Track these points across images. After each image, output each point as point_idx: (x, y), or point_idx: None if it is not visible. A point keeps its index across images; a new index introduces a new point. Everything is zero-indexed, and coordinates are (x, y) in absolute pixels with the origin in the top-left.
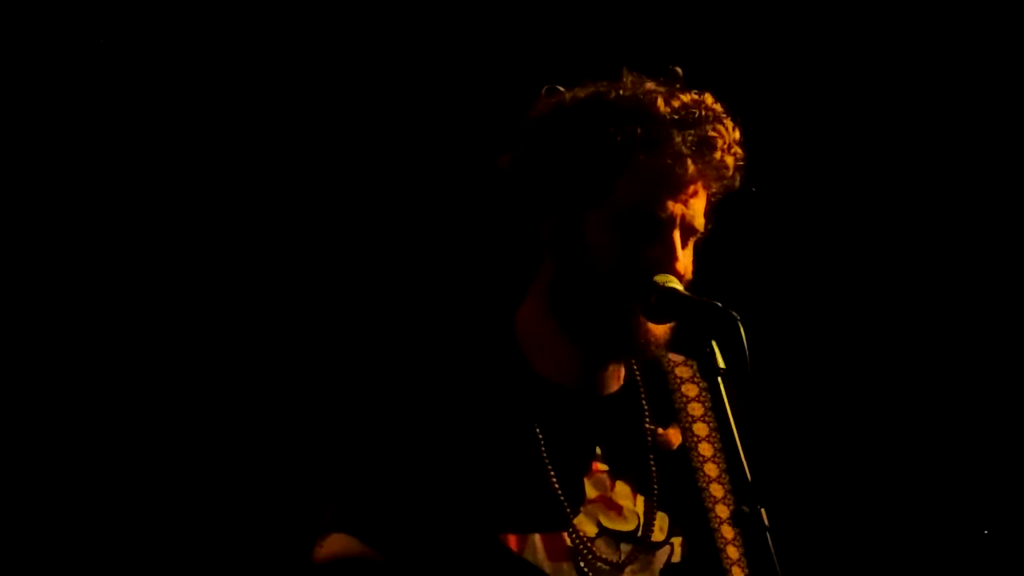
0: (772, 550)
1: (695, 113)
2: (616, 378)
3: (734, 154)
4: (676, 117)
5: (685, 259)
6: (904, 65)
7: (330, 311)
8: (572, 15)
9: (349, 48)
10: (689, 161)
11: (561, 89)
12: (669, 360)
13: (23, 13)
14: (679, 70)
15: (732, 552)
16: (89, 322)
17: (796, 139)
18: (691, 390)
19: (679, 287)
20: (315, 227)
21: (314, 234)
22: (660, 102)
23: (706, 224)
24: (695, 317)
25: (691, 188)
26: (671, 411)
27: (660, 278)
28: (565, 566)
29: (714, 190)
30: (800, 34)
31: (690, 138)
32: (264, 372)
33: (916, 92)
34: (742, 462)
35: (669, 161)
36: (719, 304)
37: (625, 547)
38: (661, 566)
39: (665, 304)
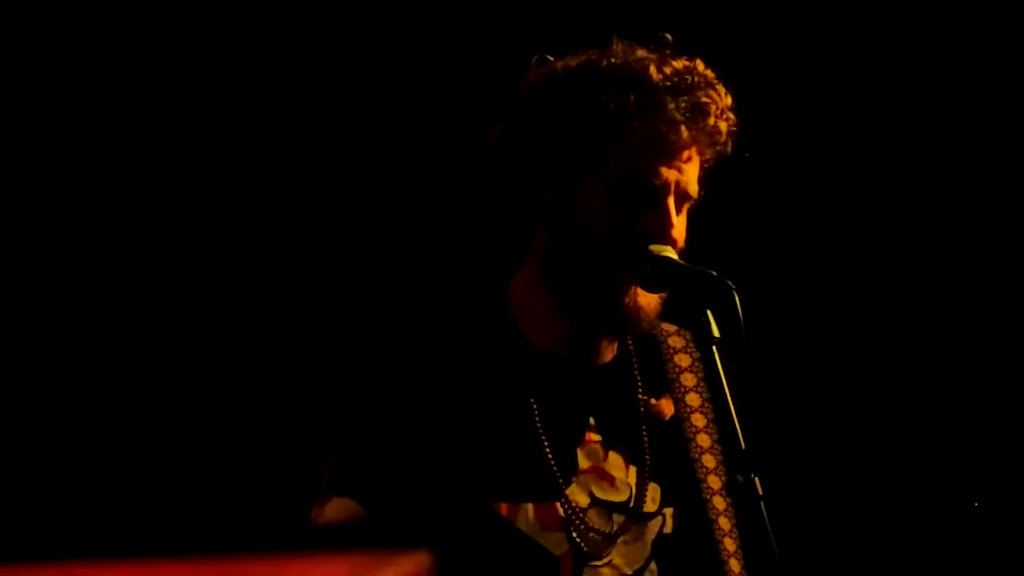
0: (766, 519)
1: (687, 79)
2: (610, 348)
3: (727, 119)
4: (668, 83)
5: (680, 226)
6: (908, 41)
7: (327, 280)
8: None
9: (344, 21)
10: (683, 127)
11: (551, 59)
12: (663, 330)
13: (23, 13)
14: (669, 37)
15: (724, 523)
16: (83, 319)
17: (792, 108)
18: (684, 360)
19: (674, 256)
20: (311, 199)
21: (311, 206)
22: (652, 69)
23: (699, 190)
24: (690, 286)
25: (685, 154)
26: (664, 381)
27: (655, 247)
28: (557, 536)
29: (707, 156)
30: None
31: (683, 104)
32: (262, 339)
33: (915, 69)
34: (736, 431)
35: (663, 127)
36: (714, 273)
37: (617, 518)
38: (653, 537)
39: (660, 273)
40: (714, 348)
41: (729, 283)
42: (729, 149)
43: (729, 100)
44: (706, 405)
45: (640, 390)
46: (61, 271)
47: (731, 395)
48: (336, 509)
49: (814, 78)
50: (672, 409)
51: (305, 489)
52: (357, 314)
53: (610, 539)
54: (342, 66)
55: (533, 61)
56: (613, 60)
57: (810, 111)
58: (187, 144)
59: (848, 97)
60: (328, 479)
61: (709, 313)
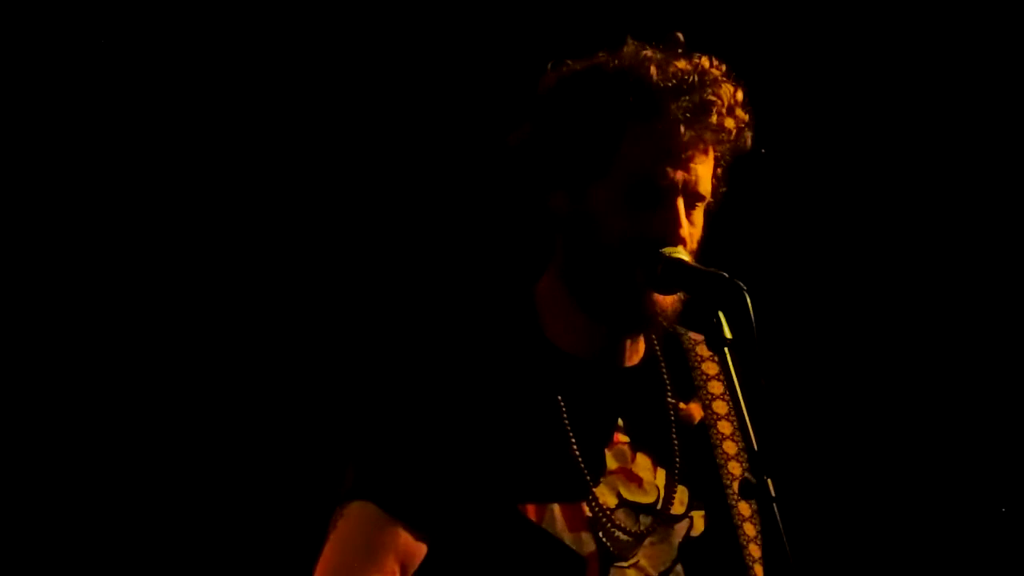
0: (779, 520)
1: (688, 78)
2: (636, 351)
3: (735, 116)
4: (669, 84)
5: (691, 226)
6: (924, 38)
7: (355, 285)
8: None
9: (359, 22)
10: (682, 127)
11: (569, 63)
12: (690, 338)
13: (23, 13)
14: (680, 36)
15: (749, 529)
16: (96, 321)
17: (803, 108)
18: (711, 368)
19: (686, 257)
20: (340, 206)
21: (340, 212)
22: (652, 69)
23: (717, 188)
24: (702, 287)
25: (690, 154)
26: (692, 387)
27: (667, 249)
28: (584, 536)
29: (719, 154)
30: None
31: (684, 104)
32: (289, 344)
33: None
34: (749, 432)
35: (664, 128)
36: (725, 274)
37: (645, 519)
38: (680, 539)
39: (671, 275)
40: (726, 350)
41: (740, 284)
42: (746, 145)
43: (740, 96)
44: (732, 413)
45: (669, 394)
46: (61, 281)
47: (744, 397)
48: (357, 513)
49: (825, 77)
50: (701, 414)
51: (328, 493)
52: (385, 320)
53: (637, 540)
54: (372, 76)
55: (548, 66)
56: (618, 62)
57: (821, 111)
58: (223, 151)
59: (859, 98)
60: (350, 483)
61: (721, 314)
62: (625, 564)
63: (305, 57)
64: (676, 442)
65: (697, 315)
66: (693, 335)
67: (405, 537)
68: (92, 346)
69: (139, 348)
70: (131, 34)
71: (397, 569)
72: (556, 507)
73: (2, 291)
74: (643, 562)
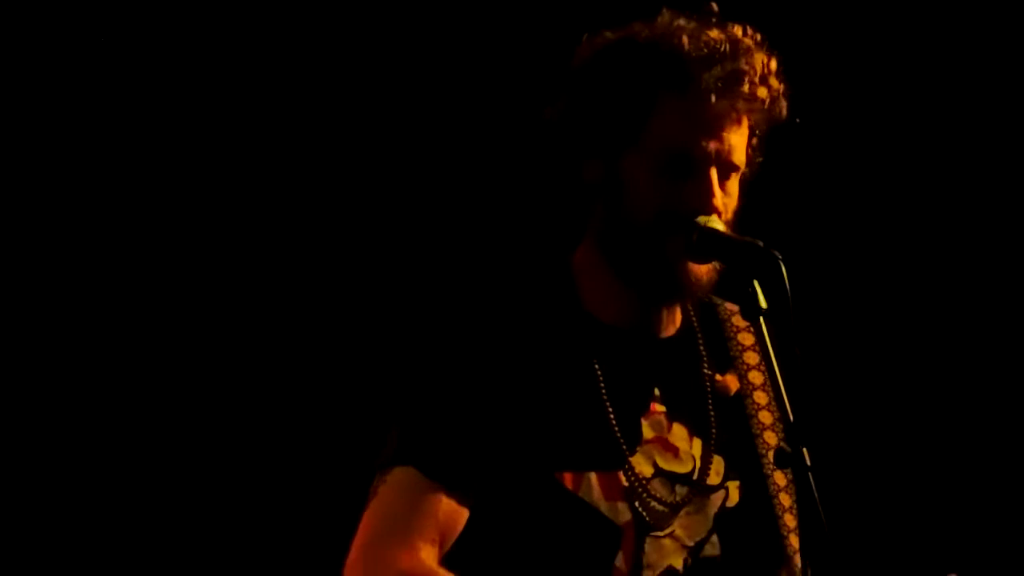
0: (814, 490)
1: (720, 48)
2: (672, 322)
3: (768, 85)
4: (701, 53)
5: (725, 196)
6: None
7: (398, 257)
8: None
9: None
10: (714, 96)
11: (607, 34)
12: (726, 308)
13: (23, 13)
14: (715, 6)
15: (784, 499)
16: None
17: (856, 81)
18: (747, 339)
19: (720, 227)
20: (383, 179)
21: (384, 184)
22: (684, 39)
23: (753, 158)
24: (736, 257)
25: (722, 123)
26: (728, 358)
27: (702, 218)
28: (620, 505)
29: (753, 123)
30: None
31: (716, 73)
32: (331, 316)
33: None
34: (784, 402)
35: (694, 98)
36: (760, 243)
37: (681, 489)
38: (716, 509)
39: (706, 244)
40: (761, 319)
41: (776, 253)
42: (781, 114)
43: (773, 65)
44: (768, 383)
45: (705, 364)
46: (61, 281)
47: (779, 367)
48: (398, 478)
49: (874, 54)
50: (737, 385)
51: (370, 460)
52: (427, 291)
53: (673, 510)
54: (411, 50)
55: (584, 37)
56: (650, 33)
57: (869, 86)
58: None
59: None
60: (391, 449)
61: (756, 284)
62: (661, 534)
63: (332, 43)
64: (712, 412)
65: (733, 285)
66: (729, 305)
67: (446, 502)
68: (118, 344)
69: (164, 336)
70: (131, 34)
71: (437, 536)
72: (593, 476)
73: (2, 291)
74: (679, 532)
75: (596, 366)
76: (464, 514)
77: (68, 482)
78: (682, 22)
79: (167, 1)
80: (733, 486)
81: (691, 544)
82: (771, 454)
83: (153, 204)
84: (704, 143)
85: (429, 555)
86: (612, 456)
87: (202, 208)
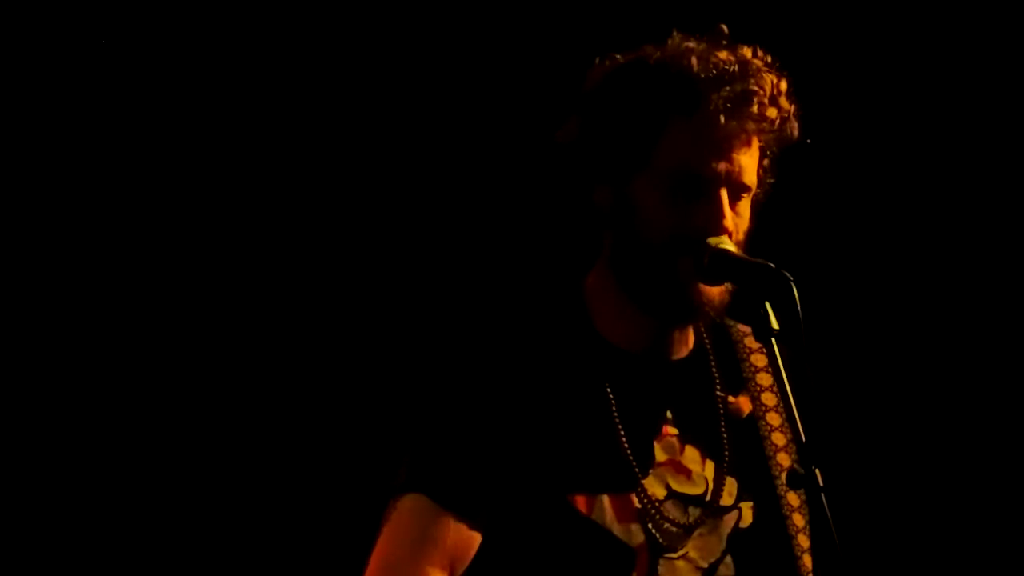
0: (827, 510)
1: (730, 69)
2: (684, 344)
3: (778, 106)
4: (710, 75)
5: (736, 217)
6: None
7: (409, 281)
8: None
9: (411, 17)
10: (723, 117)
11: (615, 57)
12: (739, 330)
13: (23, 13)
14: (724, 27)
15: (798, 520)
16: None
17: (860, 98)
18: (760, 360)
19: (731, 248)
20: (394, 200)
21: (395, 205)
22: (693, 61)
23: (764, 179)
24: (748, 278)
25: (732, 144)
26: (740, 380)
27: (713, 240)
28: (633, 527)
29: (764, 144)
30: None
31: (725, 94)
32: (340, 339)
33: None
34: (796, 423)
35: (703, 119)
36: (772, 265)
37: (694, 511)
38: (729, 531)
39: (718, 266)
40: (773, 340)
41: (787, 275)
42: (793, 135)
43: (783, 86)
44: (781, 404)
45: (718, 386)
46: (61, 281)
47: (791, 388)
48: (410, 506)
49: (878, 68)
50: (749, 407)
51: (382, 486)
52: (438, 316)
53: (686, 531)
54: (422, 71)
55: (595, 61)
56: (660, 55)
57: (874, 103)
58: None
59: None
60: (403, 476)
61: (767, 305)
62: (674, 555)
63: (341, 53)
64: (725, 434)
65: (744, 306)
66: (741, 327)
67: (457, 529)
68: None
69: (169, 342)
70: (131, 34)
71: (448, 564)
72: (606, 498)
73: (2, 291)
74: (692, 553)
75: (608, 389)
76: (476, 540)
77: (68, 482)
78: (692, 44)
79: (167, 1)
80: (746, 507)
81: (705, 565)
82: (784, 475)
83: (166, 208)
84: (714, 164)
85: None
86: (625, 479)
87: (233, 226)
